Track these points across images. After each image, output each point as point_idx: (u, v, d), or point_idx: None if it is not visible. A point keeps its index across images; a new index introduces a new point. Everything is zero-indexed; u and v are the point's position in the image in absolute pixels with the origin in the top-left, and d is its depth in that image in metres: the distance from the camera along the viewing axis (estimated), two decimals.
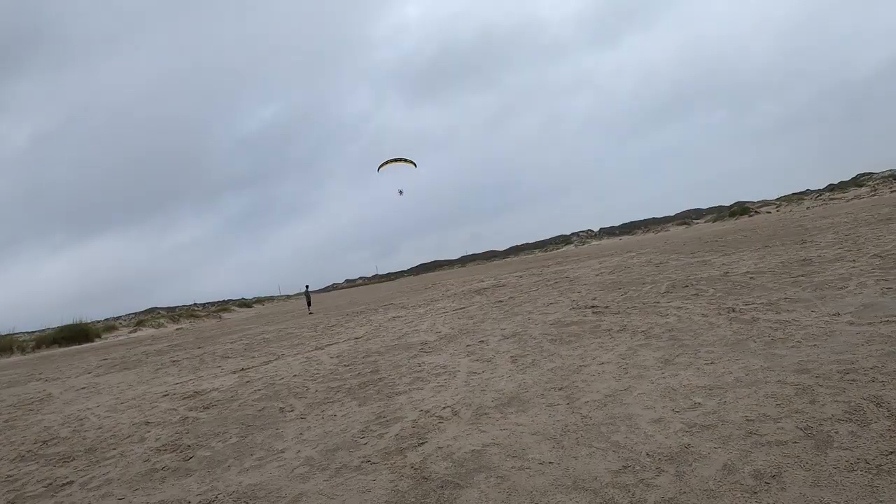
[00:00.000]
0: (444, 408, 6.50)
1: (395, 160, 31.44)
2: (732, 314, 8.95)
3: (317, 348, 13.80)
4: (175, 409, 8.96)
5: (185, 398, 9.80)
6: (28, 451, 7.67)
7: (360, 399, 7.62)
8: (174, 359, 17.17)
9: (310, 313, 33.34)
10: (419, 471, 4.77)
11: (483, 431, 5.49)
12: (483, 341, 10.51)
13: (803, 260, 13.55)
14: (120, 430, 8.14)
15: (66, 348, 33.47)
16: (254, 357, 14.22)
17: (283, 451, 5.89)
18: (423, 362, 9.49)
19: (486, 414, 6.03)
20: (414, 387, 7.85)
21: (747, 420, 4.76)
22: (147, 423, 8.33)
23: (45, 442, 8.09)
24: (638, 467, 4.21)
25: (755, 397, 5.24)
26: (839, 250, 14.08)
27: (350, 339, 14.45)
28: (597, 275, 21.23)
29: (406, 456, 5.18)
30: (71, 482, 6.06)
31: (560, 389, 6.47)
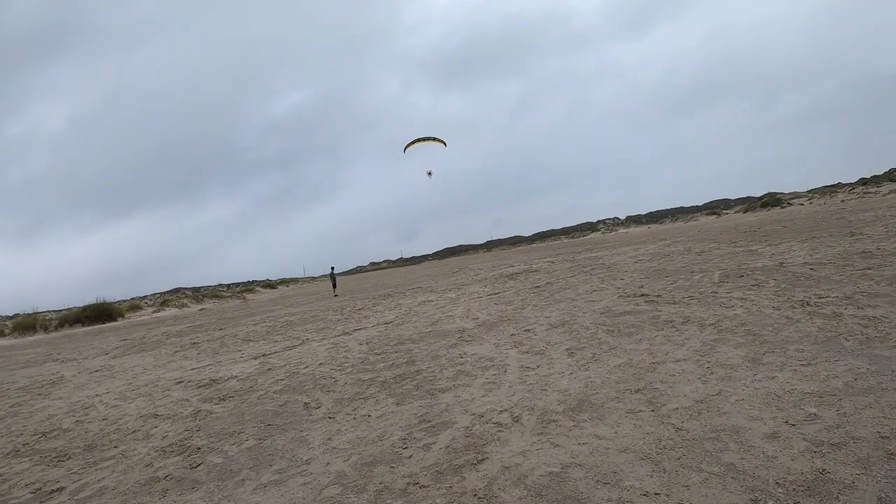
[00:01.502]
0: (502, 411, 5.47)
1: (424, 139, 30.03)
2: (808, 308, 8.01)
3: (344, 333, 12.93)
4: (188, 400, 8.13)
5: (200, 387, 9.00)
6: (24, 445, 6.89)
7: (398, 396, 6.64)
8: (194, 341, 16.55)
9: (335, 296, 32.51)
10: (485, 501, 3.77)
11: (557, 445, 4.47)
12: (528, 330, 9.54)
13: (862, 252, 12.61)
14: (125, 423, 7.35)
15: (89, 327, 33.46)
16: (276, 341, 13.43)
17: (308, 463, 4.91)
18: (465, 353, 8.51)
19: (554, 421, 5.01)
20: (459, 383, 6.85)
21: (881, 437, 3.85)
22: (156, 415, 7.52)
23: (44, 434, 7.32)
24: (771, 502, 3.25)
25: (878, 407, 4.32)
26: None
27: (379, 325, 13.56)
28: (636, 262, 20.33)
29: (464, 477, 4.14)
30: (61, 489, 5.22)
31: (637, 392, 5.47)
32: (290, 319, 19.34)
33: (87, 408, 8.62)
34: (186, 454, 5.66)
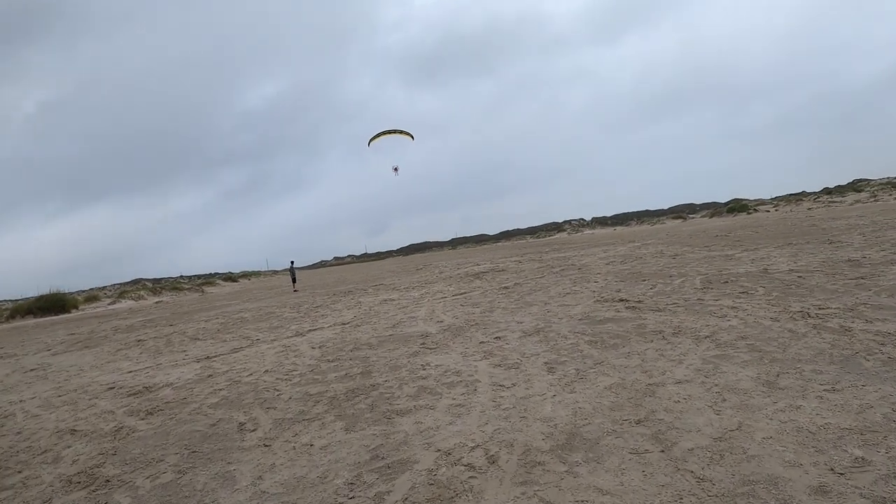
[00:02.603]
0: (474, 447, 4.43)
1: (389, 132, 28.56)
2: (810, 320, 7.26)
3: (297, 334, 11.89)
4: (113, 413, 7.09)
5: (130, 395, 7.99)
6: None
7: (348, 419, 5.58)
8: (140, 338, 15.47)
9: (295, 291, 31.41)
10: None
11: (548, 503, 3.52)
12: (500, 338, 8.59)
13: (849, 260, 12.13)
14: (40, 439, 6.36)
15: (41, 319, 32.61)
16: (225, 341, 12.38)
17: None
18: (429, 364, 7.50)
19: (540, 464, 4.00)
20: (421, 403, 5.83)
21: None
22: (73, 430, 6.51)
23: None
24: None
25: None
26: (883, 252, 12.77)
27: (336, 325, 12.55)
28: (607, 263, 19.73)
29: None
30: None
31: (638, 423, 4.52)
32: (245, 316, 18.28)
33: (5, 416, 7.66)
34: (92, 488, 4.68)
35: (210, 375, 8.57)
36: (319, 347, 9.81)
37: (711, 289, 10.70)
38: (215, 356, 10.36)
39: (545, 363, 6.74)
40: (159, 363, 10.43)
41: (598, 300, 11.00)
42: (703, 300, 9.61)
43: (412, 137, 28.52)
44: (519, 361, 6.98)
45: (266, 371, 8.35)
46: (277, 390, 7.10)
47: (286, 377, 7.78)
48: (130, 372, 9.88)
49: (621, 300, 10.58)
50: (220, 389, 7.54)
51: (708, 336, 7.05)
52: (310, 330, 12.35)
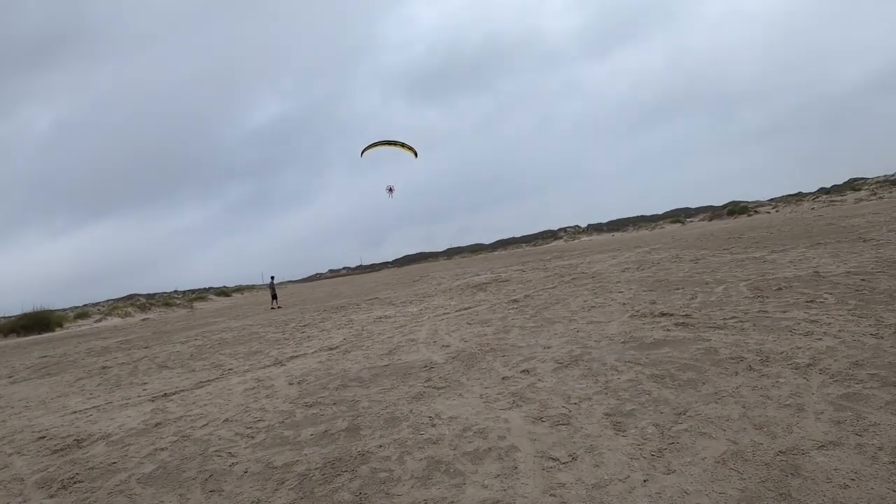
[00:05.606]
0: None
1: (387, 143, 24.74)
2: None
3: (276, 363, 9.98)
4: (22, 482, 5.30)
5: (56, 451, 6.24)
6: None
7: None
8: (107, 363, 13.75)
9: (277, 307, 29.43)
10: None
11: None
12: (528, 371, 6.62)
13: None
14: None
15: (23, 338, 31.52)
16: (194, 371, 10.53)
17: None
18: (439, 415, 5.46)
19: None
20: (434, 493, 3.76)
21: None
22: None
23: None
24: None
25: None
26: None
27: (322, 350, 10.64)
28: (622, 271, 18.17)
29: None
30: None
31: None
32: (225, 337, 16.40)
33: None
34: None
35: (158, 424, 6.71)
36: (298, 383, 7.89)
37: (767, 297, 9.08)
38: (174, 393, 8.51)
39: (605, 414, 4.77)
40: (110, 402, 8.63)
41: (633, 315, 9.24)
42: (766, 312, 7.97)
43: (415, 154, 24.75)
44: (567, 411, 4.99)
45: (226, 420, 6.42)
46: (232, 455, 5.16)
47: (248, 431, 5.85)
48: (74, 413, 8.18)
49: (663, 314, 8.83)
50: (163, 449, 5.67)
51: (810, 364, 5.30)
52: (291, 357, 10.43)
